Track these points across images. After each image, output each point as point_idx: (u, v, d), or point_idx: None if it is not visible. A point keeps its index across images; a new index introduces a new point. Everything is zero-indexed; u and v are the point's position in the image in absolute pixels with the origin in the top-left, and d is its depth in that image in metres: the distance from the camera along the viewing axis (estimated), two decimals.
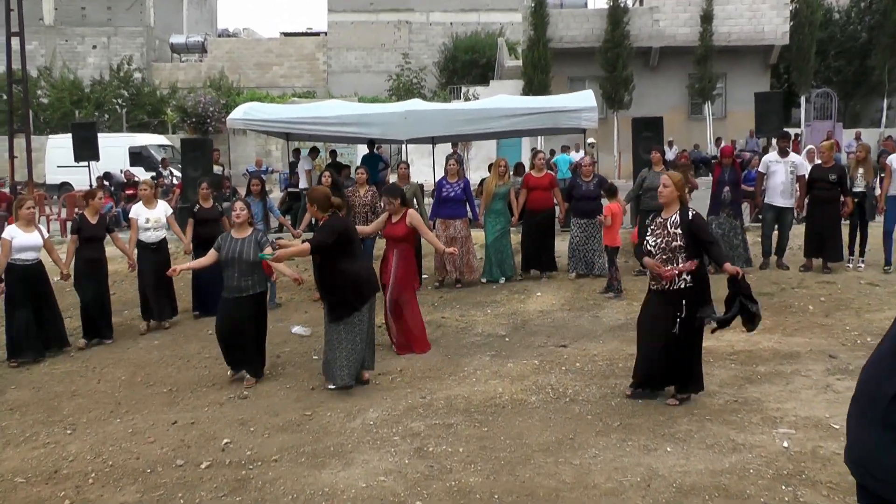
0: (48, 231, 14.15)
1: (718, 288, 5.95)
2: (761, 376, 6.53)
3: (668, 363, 5.87)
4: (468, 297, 9.91)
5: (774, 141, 19.88)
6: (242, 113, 13.47)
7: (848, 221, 10.56)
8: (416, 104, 14.20)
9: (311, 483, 4.70)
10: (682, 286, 5.67)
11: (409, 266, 7.67)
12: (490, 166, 12.06)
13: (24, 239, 7.69)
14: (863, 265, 10.47)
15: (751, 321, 5.69)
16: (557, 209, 11.12)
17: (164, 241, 9.11)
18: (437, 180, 10.90)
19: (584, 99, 13.31)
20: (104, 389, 6.84)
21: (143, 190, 9.12)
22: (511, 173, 11.78)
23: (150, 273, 8.83)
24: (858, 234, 10.52)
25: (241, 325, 6.64)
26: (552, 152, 19.54)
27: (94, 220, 8.40)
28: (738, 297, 5.58)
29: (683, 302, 5.67)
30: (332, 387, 6.37)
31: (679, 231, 5.65)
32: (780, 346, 7.37)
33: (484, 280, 10.63)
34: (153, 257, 8.94)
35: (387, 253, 7.66)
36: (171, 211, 9.38)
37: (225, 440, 5.41)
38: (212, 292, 8.86)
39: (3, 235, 7.67)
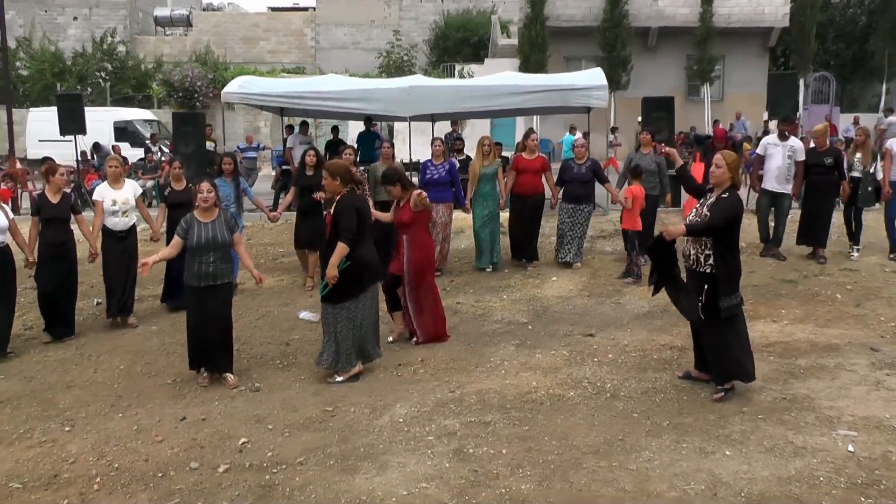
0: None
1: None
2: (804, 371, 6.17)
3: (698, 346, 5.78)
4: (480, 281, 9.43)
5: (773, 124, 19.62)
6: (238, 86, 12.83)
7: (842, 207, 10.24)
8: (418, 79, 13.63)
9: (344, 490, 4.23)
10: (708, 270, 5.41)
11: (424, 251, 7.12)
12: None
13: None
14: (857, 254, 10.08)
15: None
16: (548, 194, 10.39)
17: (133, 228, 7.99)
18: (423, 162, 10.17)
19: (594, 77, 12.82)
20: (102, 380, 6.30)
21: (112, 167, 8.01)
22: (498, 153, 10.99)
23: (116, 265, 7.81)
24: (854, 221, 10.16)
25: (217, 316, 6.09)
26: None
27: (55, 200, 7.42)
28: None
29: (706, 287, 5.41)
30: (340, 379, 6.08)
31: (709, 213, 5.42)
32: (816, 338, 7.01)
33: (488, 269, 9.91)
34: (119, 247, 7.84)
35: (399, 241, 7.06)
36: (140, 191, 8.31)
37: (242, 439, 4.91)
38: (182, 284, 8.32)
39: None
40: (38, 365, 6.78)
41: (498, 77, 13.87)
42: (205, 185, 6.08)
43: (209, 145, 14.36)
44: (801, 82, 25.74)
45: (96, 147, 17.81)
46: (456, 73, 26.54)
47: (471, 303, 8.41)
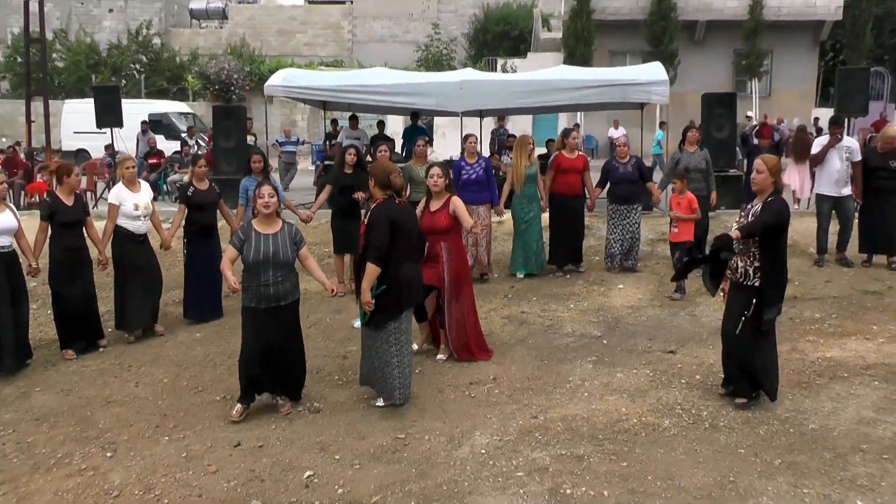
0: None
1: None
2: None
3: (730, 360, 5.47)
4: (541, 287, 8.82)
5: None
6: (281, 79, 12.42)
7: None
8: (470, 73, 13.11)
9: None
10: (758, 283, 5.11)
11: (463, 258, 6.50)
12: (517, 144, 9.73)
13: None
14: None
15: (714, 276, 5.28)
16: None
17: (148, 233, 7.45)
18: (454, 161, 9.35)
19: (655, 72, 12.24)
20: (144, 395, 5.78)
21: (128, 168, 7.33)
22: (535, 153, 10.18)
23: (138, 272, 7.24)
24: None
25: (284, 340, 5.33)
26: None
27: (70, 202, 6.79)
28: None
29: (754, 300, 5.11)
30: (381, 404, 5.39)
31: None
32: None
33: (520, 275, 9.25)
34: (143, 252, 7.31)
35: (432, 250, 6.20)
36: (153, 193, 7.77)
37: (307, 472, 4.36)
38: (204, 296, 7.76)
39: None
40: (76, 376, 6.28)
41: (552, 71, 13.28)
42: (266, 189, 5.28)
43: (249, 140, 13.88)
44: None
45: (143, 126, 17.45)
46: (498, 67, 25.92)
47: (537, 312, 7.80)
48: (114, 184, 13.47)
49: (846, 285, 8.62)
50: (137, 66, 27.76)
